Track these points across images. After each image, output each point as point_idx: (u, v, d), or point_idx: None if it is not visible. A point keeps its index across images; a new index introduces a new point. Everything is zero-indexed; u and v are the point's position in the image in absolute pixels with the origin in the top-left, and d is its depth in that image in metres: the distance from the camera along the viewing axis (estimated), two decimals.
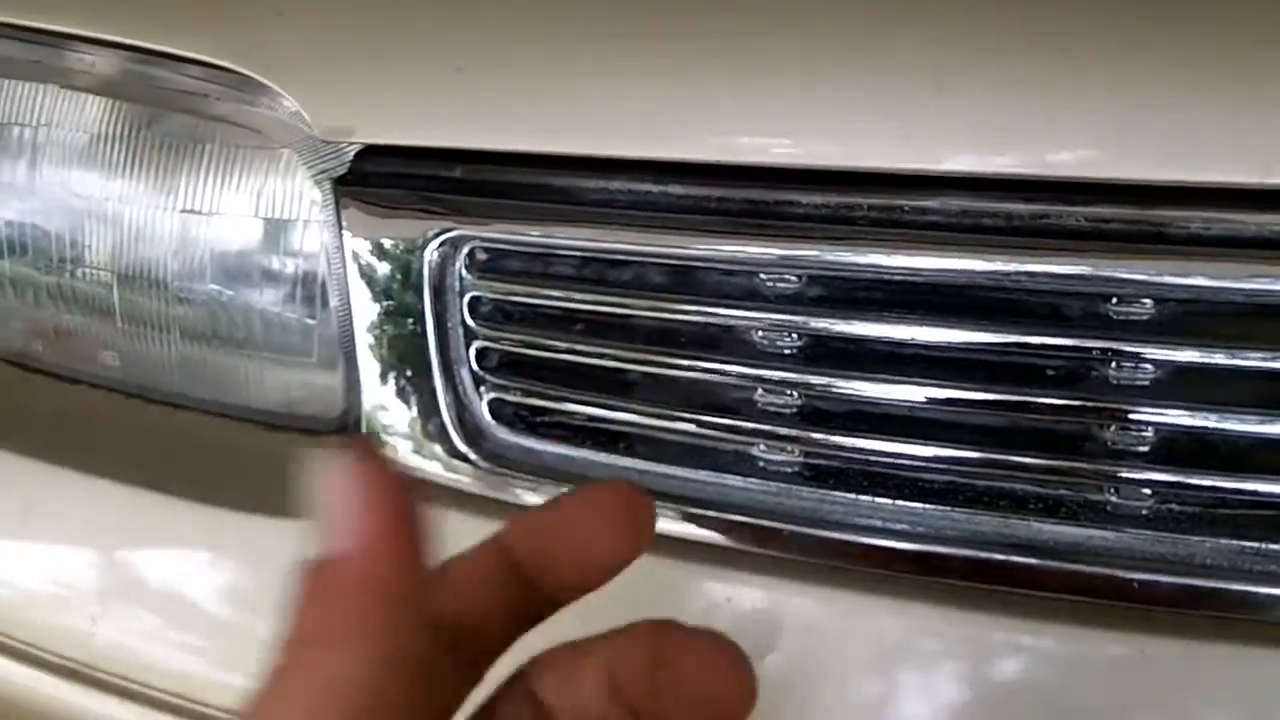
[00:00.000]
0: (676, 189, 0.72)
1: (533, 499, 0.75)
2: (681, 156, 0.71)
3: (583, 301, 0.74)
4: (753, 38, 0.70)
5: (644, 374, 0.74)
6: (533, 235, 0.74)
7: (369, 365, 0.80)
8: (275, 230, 0.82)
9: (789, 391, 0.71)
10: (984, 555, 0.67)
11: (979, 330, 0.68)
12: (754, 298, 0.71)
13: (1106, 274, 0.66)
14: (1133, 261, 0.66)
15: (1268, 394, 0.66)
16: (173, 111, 0.86)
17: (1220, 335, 0.66)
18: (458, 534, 0.78)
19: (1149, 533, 0.67)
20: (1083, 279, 0.66)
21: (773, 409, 0.71)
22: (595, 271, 0.74)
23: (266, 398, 0.88)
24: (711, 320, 0.72)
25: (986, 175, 0.68)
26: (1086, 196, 0.67)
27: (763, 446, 0.72)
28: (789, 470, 0.72)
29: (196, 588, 0.86)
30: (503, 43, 0.76)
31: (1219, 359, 0.66)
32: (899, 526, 0.69)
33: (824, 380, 0.70)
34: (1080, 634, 0.66)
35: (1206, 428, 0.66)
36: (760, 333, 0.71)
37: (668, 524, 0.72)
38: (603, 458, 0.75)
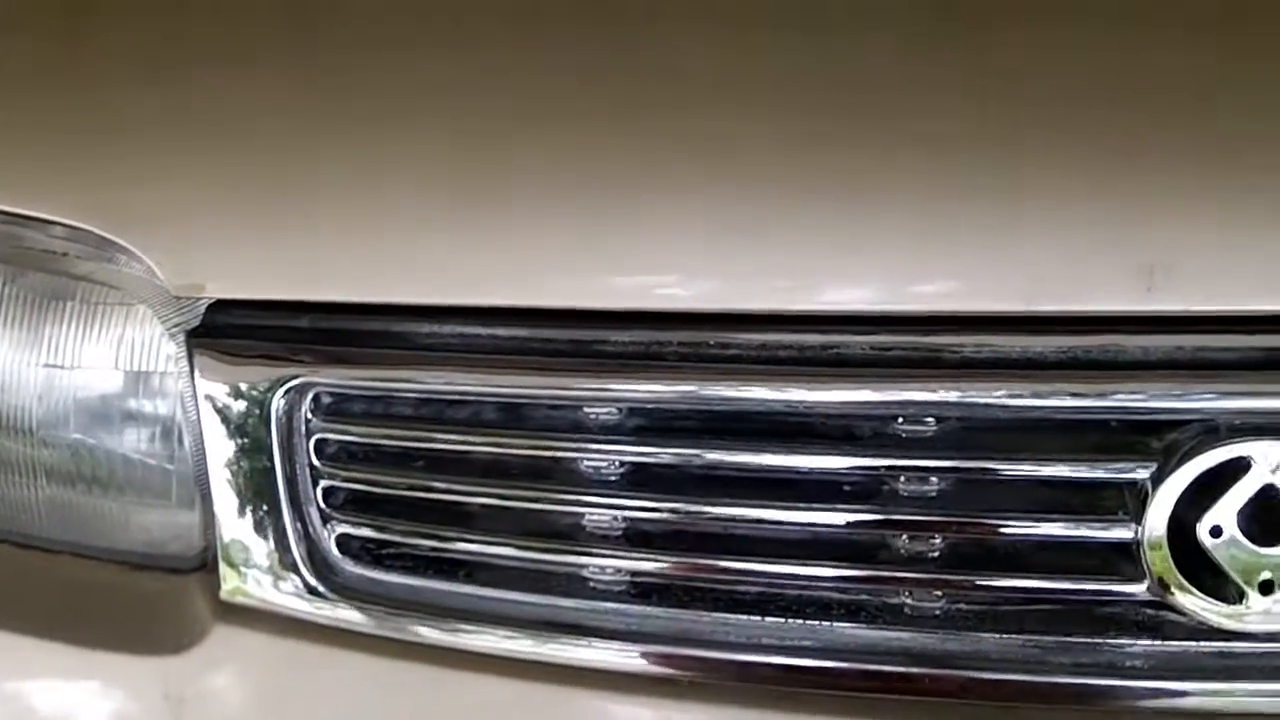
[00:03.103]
0: (504, 331, 0.78)
1: (384, 628, 0.81)
2: (507, 302, 0.78)
3: (422, 440, 0.79)
4: (566, 194, 0.78)
5: (482, 505, 0.79)
6: (374, 379, 0.80)
7: (224, 504, 0.84)
8: (134, 380, 0.86)
9: (615, 515, 0.77)
10: (793, 661, 0.73)
11: (783, 454, 0.74)
12: (579, 430, 0.77)
13: (891, 398, 0.73)
14: (914, 385, 0.73)
15: (1039, 499, 0.73)
16: (36, 271, 0.91)
17: (995, 448, 0.74)
18: (314, 663, 0.83)
19: (941, 632, 0.73)
20: (870, 404, 0.74)
21: (600, 532, 0.77)
22: (433, 411, 0.80)
23: (131, 538, 0.91)
24: (541, 452, 0.78)
25: (781, 312, 0.75)
26: (870, 327, 0.74)
27: (593, 568, 0.78)
28: (617, 589, 0.77)
29: None
30: (342, 201, 0.82)
31: (996, 469, 0.73)
32: (718, 637, 0.75)
33: (646, 503, 0.76)
34: None
35: (988, 533, 0.73)
36: (586, 462, 0.77)
37: (505, 644, 0.77)
38: (446, 586, 0.80)
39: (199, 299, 0.83)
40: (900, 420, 0.74)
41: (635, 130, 0.78)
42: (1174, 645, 0.72)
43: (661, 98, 0.80)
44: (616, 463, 0.77)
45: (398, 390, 0.80)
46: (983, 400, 0.73)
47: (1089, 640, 0.72)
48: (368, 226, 0.81)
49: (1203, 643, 0.72)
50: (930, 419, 0.74)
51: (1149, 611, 0.73)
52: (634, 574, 0.77)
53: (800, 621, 0.74)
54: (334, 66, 0.86)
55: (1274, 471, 0.70)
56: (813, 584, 0.74)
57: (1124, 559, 0.72)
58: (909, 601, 0.74)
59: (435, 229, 0.79)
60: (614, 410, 0.77)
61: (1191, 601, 0.70)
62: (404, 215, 0.80)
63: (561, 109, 0.80)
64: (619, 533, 0.77)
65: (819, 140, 0.76)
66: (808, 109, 0.78)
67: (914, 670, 0.72)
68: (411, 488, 0.80)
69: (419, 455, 0.80)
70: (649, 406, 0.76)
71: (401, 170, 0.81)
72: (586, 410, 0.77)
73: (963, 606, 0.74)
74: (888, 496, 0.74)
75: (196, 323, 0.83)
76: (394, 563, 0.81)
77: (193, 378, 0.83)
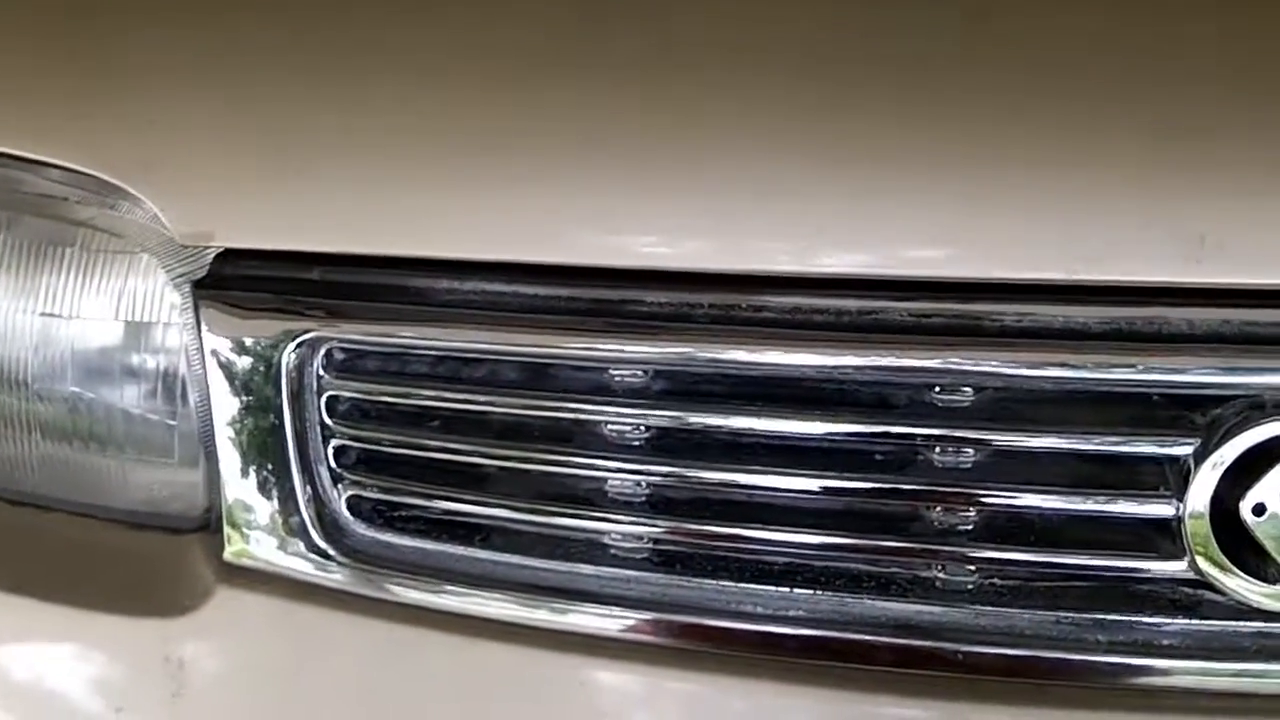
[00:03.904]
0: (527, 289, 0.75)
1: (394, 593, 0.78)
2: (532, 258, 0.75)
3: (438, 399, 0.77)
4: (596, 146, 0.75)
5: (499, 468, 0.77)
6: (389, 336, 0.77)
7: (230, 463, 0.81)
8: (135, 332, 0.83)
9: (638, 481, 0.74)
10: (822, 634, 0.71)
11: (814, 420, 0.72)
12: (603, 392, 0.75)
13: (929, 365, 0.71)
14: (952, 353, 0.71)
15: (1076, 474, 0.71)
16: (33, 216, 0.88)
17: (1033, 420, 0.72)
18: (320, 628, 0.80)
19: (973, 607, 0.71)
20: (907, 370, 0.71)
21: (623, 499, 0.75)
22: (450, 370, 0.77)
23: (130, 497, 0.88)
24: (562, 414, 0.75)
25: (818, 275, 0.73)
26: (910, 293, 0.72)
27: (614, 535, 0.75)
28: (639, 557, 0.75)
29: (62, 689, 0.86)
30: (359, 149, 0.79)
31: (1032, 442, 0.71)
32: (743, 608, 0.72)
33: (670, 470, 0.74)
34: (911, 704, 0.70)
35: (1023, 506, 0.71)
36: (609, 426, 0.75)
37: (520, 611, 0.75)
38: (460, 550, 0.77)
39: (206, 248, 0.80)
40: (936, 389, 0.72)
41: (668, 86, 0.76)
42: (1212, 624, 0.70)
43: (694, 55, 0.77)
44: (640, 427, 0.74)
45: (414, 347, 0.77)
46: (1022, 371, 0.70)
47: (1125, 618, 0.70)
48: (386, 177, 0.78)
49: (1242, 622, 0.70)
50: (968, 388, 0.72)
51: (1187, 590, 0.71)
52: (655, 541, 0.75)
53: (829, 594, 0.72)
54: (358, 9, 0.83)
55: None
56: (842, 555, 0.72)
57: (1163, 536, 0.70)
58: (940, 575, 0.72)
59: (458, 182, 0.76)
60: (639, 373, 0.74)
61: (1232, 580, 0.68)
62: (425, 166, 0.77)
63: (593, 61, 0.77)
64: (640, 499, 0.75)
65: (860, 101, 0.74)
66: (847, 68, 0.75)
67: (945, 645, 0.70)
68: (426, 448, 0.77)
69: (435, 415, 0.78)
70: (676, 369, 0.74)
71: (424, 120, 0.78)
72: (611, 372, 0.74)
73: (996, 581, 0.72)
74: (921, 467, 0.72)
75: (203, 273, 0.80)
76: (406, 525, 0.79)
77: (198, 330, 0.80)
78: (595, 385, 0.75)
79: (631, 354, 0.74)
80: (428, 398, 0.77)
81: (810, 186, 0.72)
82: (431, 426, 0.78)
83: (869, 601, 0.72)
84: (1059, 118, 0.72)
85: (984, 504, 0.71)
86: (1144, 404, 0.71)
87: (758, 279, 0.73)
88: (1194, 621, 0.70)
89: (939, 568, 0.72)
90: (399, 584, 0.77)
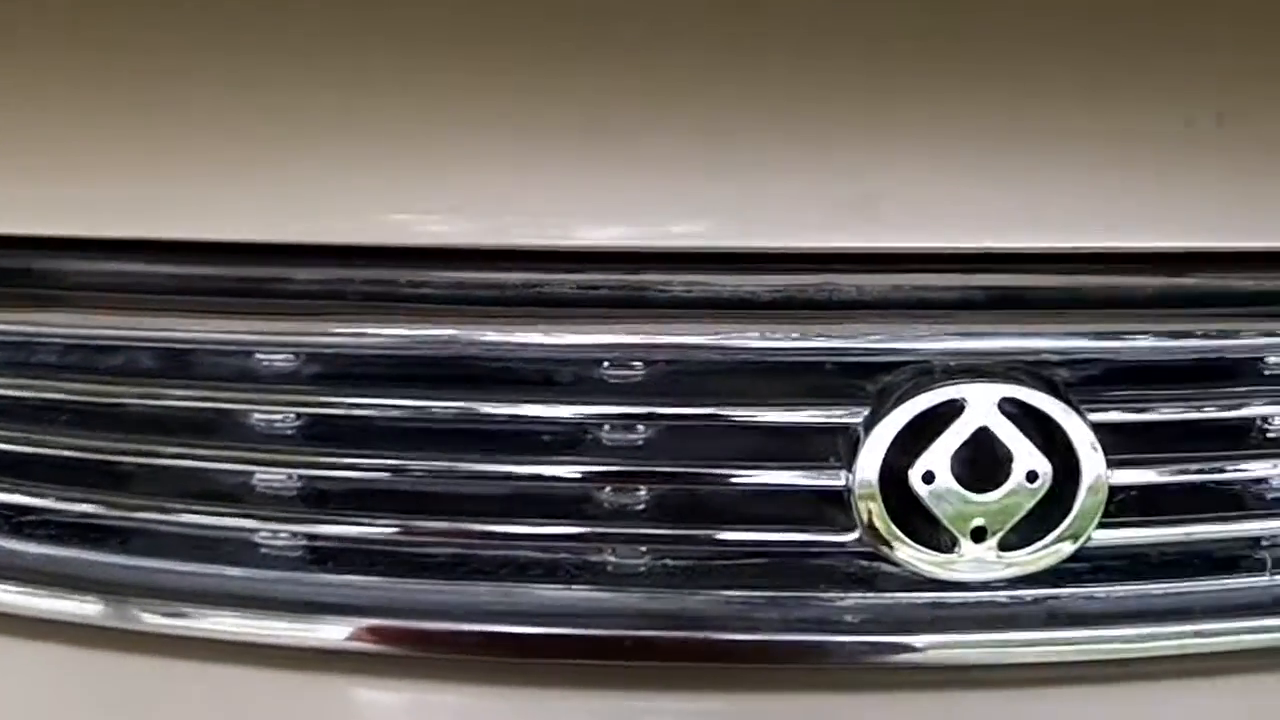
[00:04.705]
0: (163, 269, 0.69)
1: (22, 607, 0.70)
2: (167, 235, 0.69)
3: (68, 391, 0.70)
4: (235, 116, 0.69)
5: (137, 464, 0.70)
6: (12, 322, 0.70)
7: None
8: None
9: (288, 474, 0.69)
10: (484, 627, 0.67)
11: (476, 401, 0.68)
12: (250, 379, 0.69)
13: (594, 340, 0.68)
14: (620, 326, 0.68)
15: (750, 447, 0.69)
16: None
17: (705, 393, 0.69)
18: None
19: (645, 590, 0.68)
20: (572, 346, 0.68)
21: (272, 493, 0.69)
22: (81, 359, 0.70)
23: None
24: (206, 404, 0.69)
25: (478, 247, 0.69)
26: (574, 264, 0.69)
27: (263, 533, 0.70)
28: (291, 556, 0.69)
29: None
30: None
31: (704, 415, 0.68)
32: (401, 605, 0.67)
33: (323, 460, 0.68)
34: (580, 695, 0.66)
35: (696, 483, 0.68)
36: (257, 414, 0.69)
37: (168, 620, 0.69)
38: (94, 556, 0.70)
39: None
40: (605, 364, 0.68)
41: (313, 56, 0.71)
42: (887, 597, 0.68)
43: (340, 27, 0.73)
44: (292, 415, 0.69)
45: (40, 335, 0.70)
46: (692, 341, 0.67)
47: (800, 594, 0.68)
48: (11, 147, 0.71)
49: (916, 594, 0.68)
50: (637, 362, 0.68)
51: (862, 563, 0.69)
52: (310, 538, 0.69)
53: (492, 585, 0.68)
54: None
55: (988, 414, 0.68)
56: (507, 543, 0.68)
57: (837, 508, 0.68)
58: (612, 559, 0.68)
59: (85, 151, 0.70)
60: (290, 357, 0.69)
61: (904, 551, 0.67)
62: (49, 136, 0.70)
63: (226, 33, 0.72)
64: (293, 493, 0.69)
65: (511, 69, 0.70)
66: (496, 39, 0.72)
67: (614, 633, 0.66)
68: (58, 446, 0.70)
69: (66, 409, 0.70)
70: (329, 352, 0.69)
71: (51, 83, 0.72)
72: (259, 356, 0.69)
73: (670, 563, 0.69)
74: (590, 446, 0.68)
75: None
76: (36, 531, 0.71)
77: None
78: (242, 371, 0.69)
79: (279, 336, 0.68)
80: (58, 390, 0.70)
81: (464, 158, 0.68)
82: (63, 421, 0.70)
83: (536, 590, 0.68)
84: (723, 84, 0.70)
85: (656, 482, 0.68)
86: (816, 373, 0.69)
87: (416, 253, 0.68)
88: (870, 595, 0.68)
89: (610, 551, 0.69)
90: (30, 596, 0.70)
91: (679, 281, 0.68)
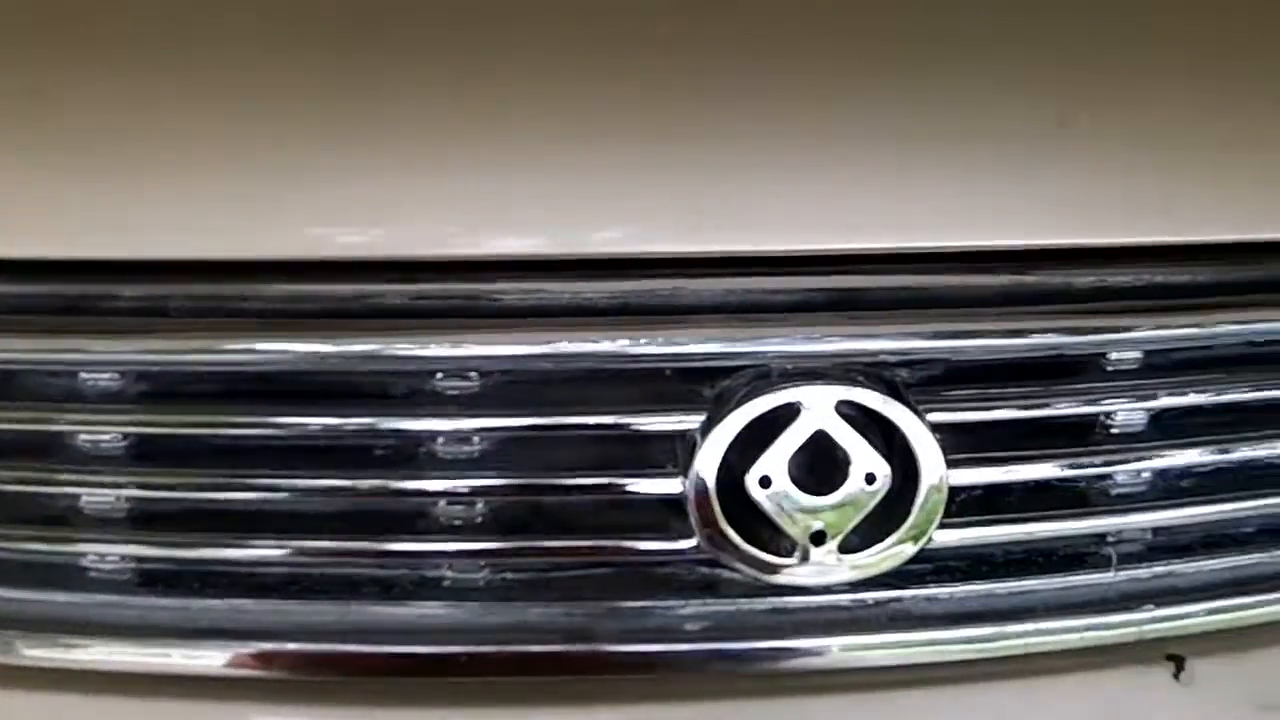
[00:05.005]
0: None
1: None
2: None
3: None
4: (52, 130, 0.68)
5: None
6: None
7: None
8: None
9: (114, 495, 0.67)
10: (318, 646, 0.65)
11: (309, 416, 0.66)
12: (73, 398, 0.67)
13: (429, 351, 0.66)
14: (451, 336, 0.67)
15: (590, 456, 0.67)
16: None
17: (542, 402, 0.67)
18: None
19: (482, 605, 0.67)
20: (404, 358, 0.66)
21: (98, 515, 0.67)
22: None
23: None
24: (27, 425, 0.67)
25: (306, 259, 0.67)
26: (405, 274, 0.67)
27: (92, 556, 0.68)
28: (121, 579, 0.68)
29: None
30: None
31: (542, 426, 0.67)
32: (228, 625, 0.66)
33: (152, 480, 0.67)
34: (415, 713, 0.65)
35: (534, 494, 0.67)
36: (81, 435, 0.67)
37: None
38: None
39: None
40: (439, 376, 0.67)
41: (131, 70, 0.70)
42: (728, 604, 0.68)
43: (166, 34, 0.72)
44: (119, 435, 0.67)
45: None
46: (527, 351, 0.66)
47: (639, 604, 0.67)
48: None
49: (758, 600, 0.68)
50: (473, 373, 0.67)
51: (704, 570, 0.68)
52: (139, 560, 0.67)
53: (328, 603, 0.66)
54: None
55: (826, 417, 0.67)
56: (341, 560, 0.66)
57: (677, 515, 0.67)
58: (450, 574, 0.67)
59: None
60: (115, 375, 0.67)
61: (743, 557, 0.66)
62: None
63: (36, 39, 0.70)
64: (122, 514, 0.67)
65: (349, 78, 0.69)
66: (333, 46, 0.71)
67: (450, 649, 0.65)
68: None
69: None
70: (153, 370, 0.67)
71: None
72: (82, 376, 0.67)
73: (508, 576, 0.68)
74: (426, 460, 0.67)
75: None
76: None
77: None
78: (65, 391, 0.67)
79: (102, 355, 0.66)
80: None
81: (292, 168, 0.67)
82: None
83: (372, 608, 0.66)
84: (552, 89, 0.69)
85: (494, 495, 0.67)
86: (656, 379, 0.68)
87: (242, 267, 0.67)
88: (710, 602, 0.68)
89: (447, 566, 0.68)
90: None
91: (513, 290, 0.67)
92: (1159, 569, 0.72)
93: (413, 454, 0.67)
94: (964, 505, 0.70)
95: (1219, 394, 0.73)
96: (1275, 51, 0.79)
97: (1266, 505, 0.74)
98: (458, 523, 0.67)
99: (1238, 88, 0.75)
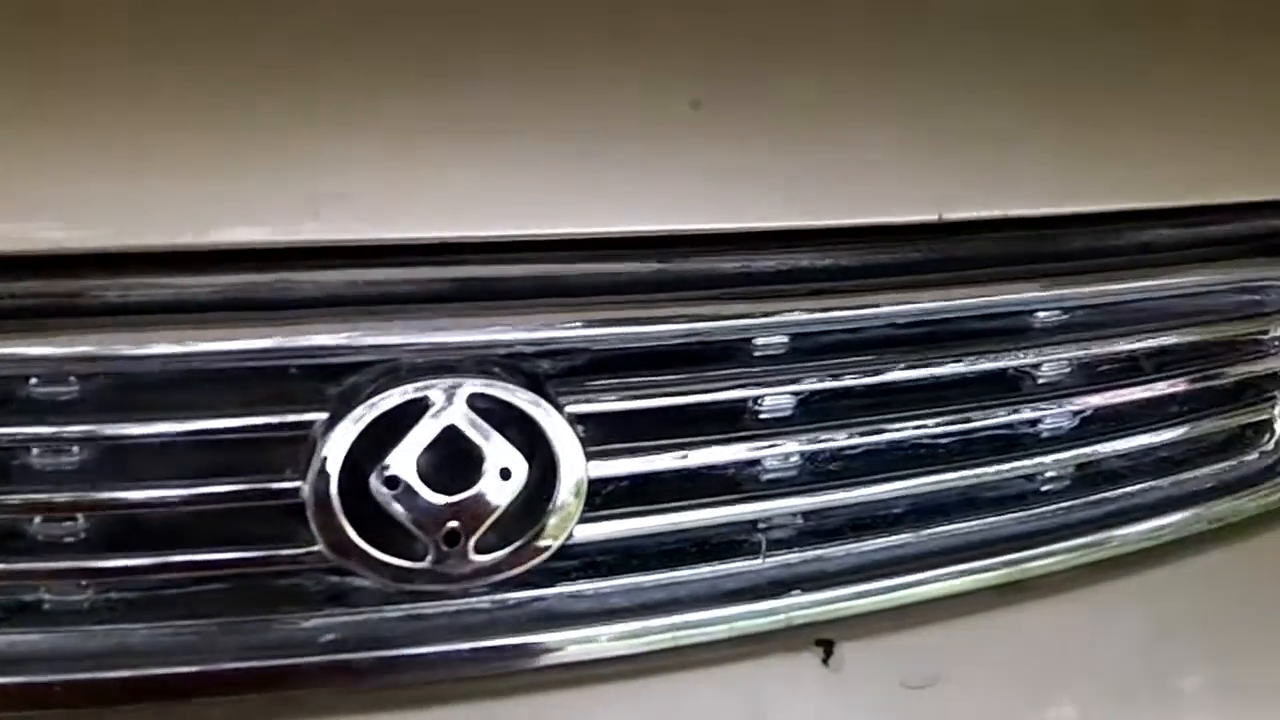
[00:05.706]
0: None
1: None
2: None
3: None
4: None
5: None
6: None
7: None
8: None
9: None
10: None
11: None
12: None
13: (20, 351, 0.60)
14: (48, 337, 0.61)
15: (203, 462, 0.63)
16: None
17: (148, 406, 0.62)
18: None
19: (84, 629, 0.62)
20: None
21: None
22: None
23: None
24: None
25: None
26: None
27: None
28: None
29: None
30: None
31: (145, 432, 0.62)
32: None
33: None
34: None
35: (139, 506, 0.62)
36: None
37: None
38: None
39: None
40: (33, 380, 0.61)
41: None
42: (357, 613, 0.64)
43: None
44: None
45: None
46: (130, 352, 0.61)
47: (261, 618, 0.63)
48: None
49: (390, 607, 0.64)
50: (71, 377, 0.62)
51: (334, 579, 0.64)
52: None
53: None
54: None
55: (456, 412, 0.64)
56: None
57: (300, 522, 0.63)
58: (49, 597, 0.62)
59: None
60: None
61: (369, 562, 0.63)
62: None
63: None
64: None
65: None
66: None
67: (46, 679, 0.60)
68: None
69: None
70: None
71: None
72: None
73: (114, 596, 0.62)
74: (17, 472, 0.61)
75: None
76: None
77: None
78: None
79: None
80: None
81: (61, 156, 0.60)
82: None
83: None
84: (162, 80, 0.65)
85: (95, 509, 0.62)
86: (278, 378, 0.64)
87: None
88: (338, 612, 0.64)
89: (44, 589, 0.62)
90: None
91: (114, 286, 0.62)
92: (808, 554, 0.72)
93: (4, 466, 0.61)
94: (611, 498, 0.68)
95: (866, 376, 0.74)
96: (919, 31, 0.80)
97: (914, 486, 0.74)
98: (55, 541, 0.61)
99: (876, 65, 0.76)
